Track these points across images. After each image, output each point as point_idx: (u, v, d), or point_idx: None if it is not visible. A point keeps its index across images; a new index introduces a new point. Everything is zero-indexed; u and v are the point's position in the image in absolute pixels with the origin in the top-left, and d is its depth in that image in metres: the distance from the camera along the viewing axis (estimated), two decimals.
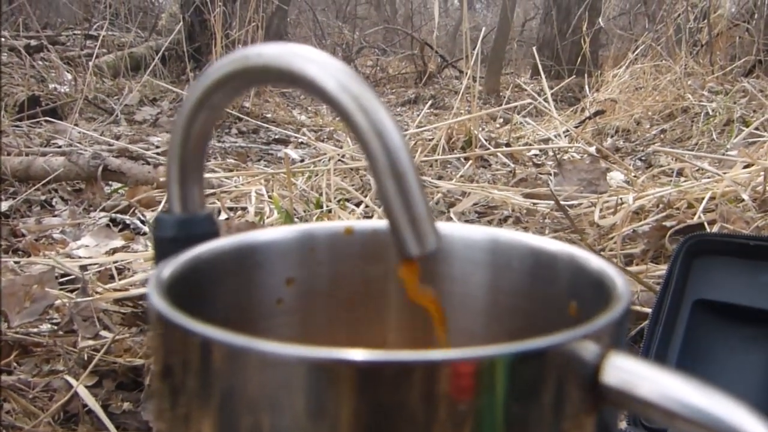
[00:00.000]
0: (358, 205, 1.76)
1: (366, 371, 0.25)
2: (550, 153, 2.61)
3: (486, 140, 2.66)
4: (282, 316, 0.38)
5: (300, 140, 2.90)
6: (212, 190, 1.82)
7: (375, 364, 0.25)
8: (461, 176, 2.17)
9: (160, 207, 1.80)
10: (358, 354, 0.25)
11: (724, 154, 2.33)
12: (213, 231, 0.36)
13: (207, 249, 0.35)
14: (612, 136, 3.22)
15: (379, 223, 0.40)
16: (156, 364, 0.30)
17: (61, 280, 1.26)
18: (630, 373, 0.27)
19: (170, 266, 0.33)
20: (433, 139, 2.49)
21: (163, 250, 0.36)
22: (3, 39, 4.25)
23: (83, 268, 1.31)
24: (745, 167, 1.71)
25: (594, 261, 0.34)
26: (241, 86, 0.34)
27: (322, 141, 2.91)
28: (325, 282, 0.40)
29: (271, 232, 0.39)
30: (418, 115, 3.30)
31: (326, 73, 0.30)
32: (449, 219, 1.68)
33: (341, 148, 2.31)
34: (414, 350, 0.26)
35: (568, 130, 2.90)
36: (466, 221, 1.76)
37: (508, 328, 0.38)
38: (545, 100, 2.82)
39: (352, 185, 1.96)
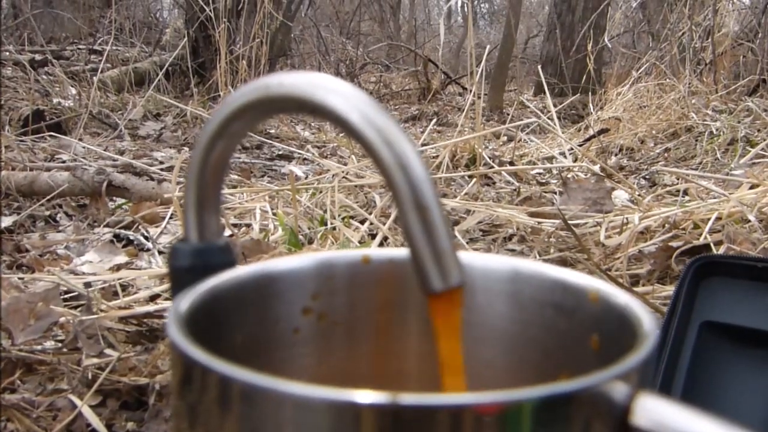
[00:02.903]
0: (362, 222, 1.75)
1: (389, 415, 0.24)
2: (554, 171, 2.61)
3: (490, 158, 2.66)
4: (299, 346, 0.38)
5: (304, 156, 2.90)
6: None
7: (399, 407, 0.24)
8: (465, 194, 2.17)
9: (164, 223, 1.79)
10: (381, 397, 0.24)
11: (728, 174, 2.33)
12: (230, 260, 0.36)
13: (225, 279, 0.35)
14: (616, 155, 3.23)
15: (396, 252, 0.40)
16: (174, 392, 0.29)
17: (65, 296, 1.26)
18: (660, 414, 0.26)
19: (188, 298, 0.32)
20: (437, 156, 2.49)
21: (180, 279, 0.35)
22: (8, 53, 4.26)
23: (87, 284, 1.30)
24: (751, 188, 1.71)
25: (619, 296, 0.33)
26: (261, 115, 0.33)
27: (326, 157, 2.90)
28: (342, 311, 0.39)
29: (289, 261, 0.38)
30: (422, 132, 3.30)
31: (349, 105, 0.30)
32: (453, 237, 1.68)
33: (345, 164, 2.31)
34: (436, 391, 0.25)
35: (572, 148, 2.90)
36: (471, 239, 1.75)
37: (528, 359, 0.37)
38: (549, 118, 2.82)
39: (357, 202, 1.95)
